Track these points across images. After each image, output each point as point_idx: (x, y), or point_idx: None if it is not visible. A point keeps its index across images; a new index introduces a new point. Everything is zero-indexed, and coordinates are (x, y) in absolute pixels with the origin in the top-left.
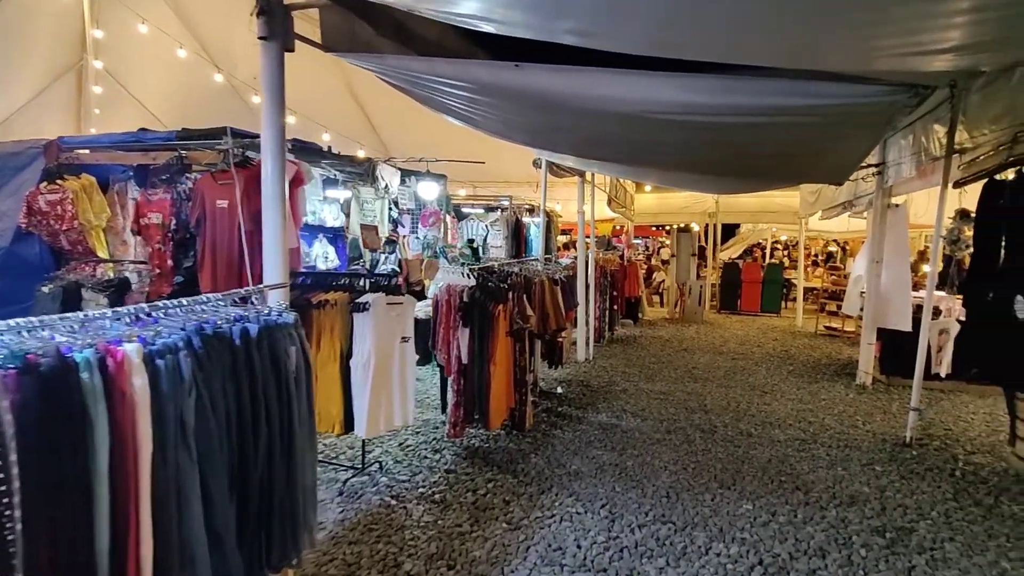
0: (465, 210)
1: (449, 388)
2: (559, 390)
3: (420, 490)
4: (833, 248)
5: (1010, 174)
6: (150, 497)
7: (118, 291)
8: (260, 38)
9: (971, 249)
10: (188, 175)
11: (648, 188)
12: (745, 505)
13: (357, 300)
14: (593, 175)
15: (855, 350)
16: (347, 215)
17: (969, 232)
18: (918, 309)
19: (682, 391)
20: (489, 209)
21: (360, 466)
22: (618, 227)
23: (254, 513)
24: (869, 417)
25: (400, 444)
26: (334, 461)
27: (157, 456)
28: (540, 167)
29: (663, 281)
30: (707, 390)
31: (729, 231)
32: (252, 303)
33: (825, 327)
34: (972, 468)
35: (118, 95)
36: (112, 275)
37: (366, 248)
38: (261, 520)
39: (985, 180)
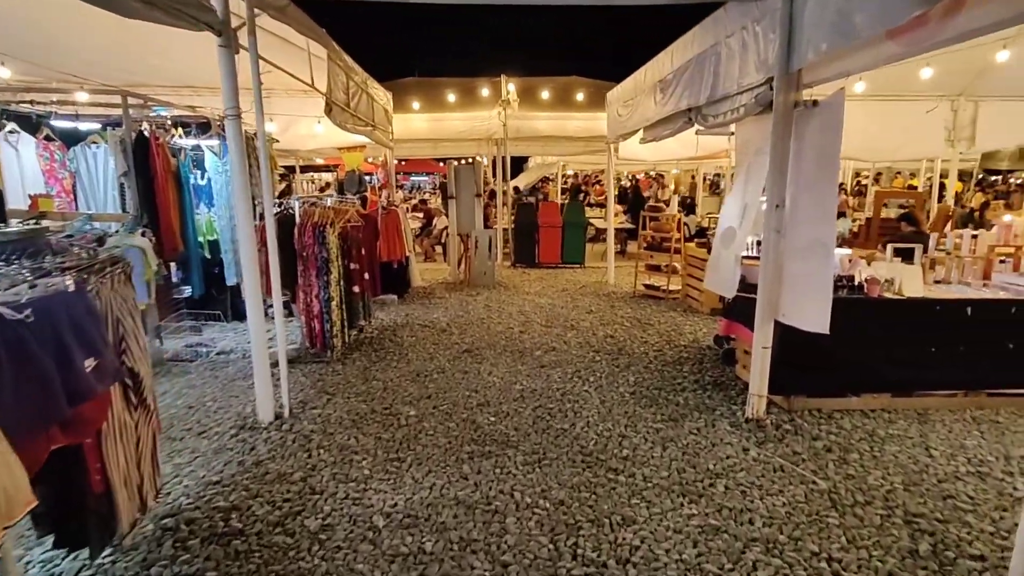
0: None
1: None
2: None
3: None
4: (626, 184)
5: None
6: None
7: None
8: None
9: None
10: None
11: (416, 106)
12: None
13: None
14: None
15: (694, 321)
16: None
17: None
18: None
19: (452, 513)
20: (110, 125)
21: None
22: (370, 158)
23: None
24: (821, 526)
25: None
26: None
27: None
28: None
29: (445, 228)
30: (507, 501)
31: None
32: None
33: (644, 286)
34: None
35: None
36: None
37: None
38: None
39: None
